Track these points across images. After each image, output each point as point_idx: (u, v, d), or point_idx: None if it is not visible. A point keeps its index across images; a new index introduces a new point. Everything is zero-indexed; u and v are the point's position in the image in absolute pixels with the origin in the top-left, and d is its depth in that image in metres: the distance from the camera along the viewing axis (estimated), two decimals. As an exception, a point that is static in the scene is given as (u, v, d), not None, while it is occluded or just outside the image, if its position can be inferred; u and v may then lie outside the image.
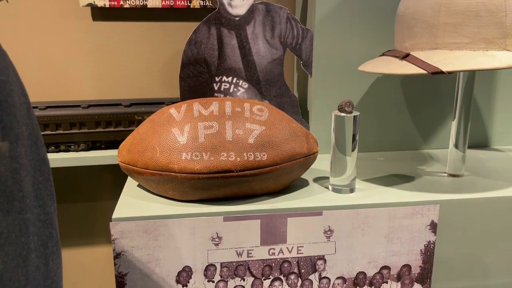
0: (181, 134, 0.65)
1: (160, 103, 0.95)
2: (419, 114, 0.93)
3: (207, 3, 0.98)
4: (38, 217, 0.40)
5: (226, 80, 0.87)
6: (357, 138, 0.69)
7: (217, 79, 0.87)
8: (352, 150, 0.68)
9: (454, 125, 0.78)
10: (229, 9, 0.83)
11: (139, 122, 0.93)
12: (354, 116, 0.67)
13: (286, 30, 0.86)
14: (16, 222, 0.37)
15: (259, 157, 0.64)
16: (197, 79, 0.86)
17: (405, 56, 0.68)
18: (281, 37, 0.86)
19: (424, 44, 0.67)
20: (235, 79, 0.87)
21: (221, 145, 0.64)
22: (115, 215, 0.61)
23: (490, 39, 0.63)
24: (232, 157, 0.63)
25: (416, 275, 0.68)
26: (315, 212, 0.64)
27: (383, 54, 0.76)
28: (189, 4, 0.97)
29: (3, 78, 0.36)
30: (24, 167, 0.38)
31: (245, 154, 0.64)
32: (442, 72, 0.61)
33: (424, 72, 0.63)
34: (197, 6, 0.98)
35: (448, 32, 0.64)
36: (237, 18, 0.84)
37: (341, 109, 0.68)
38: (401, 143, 0.94)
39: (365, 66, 0.75)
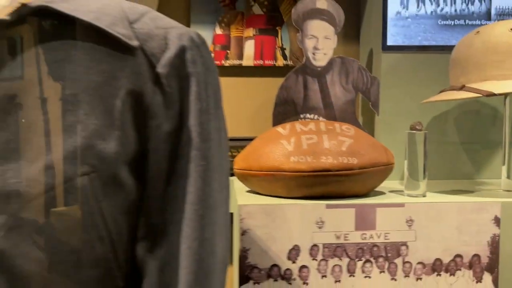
0: (289, 144, 0.84)
1: (251, 139, 1.15)
2: (471, 150, 1.09)
3: (289, 62, 1.22)
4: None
5: (309, 117, 1.08)
6: (427, 153, 0.86)
7: (301, 116, 1.07)
8: (424, 162, 0.85)
9: (505, 160, 0.94)
10: (313, 62, 1.06)
11: (233, 156, 1.13)
12: (424, 133, 0.85)
13: (358, 78, 1.07)
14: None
15: (351, 161, 0.82)
16: (286, 115, 1.07)
17: (462, 87, 0.87)
18: (354, 83, 1.07)
19: (476, 77, 0.86)
20: (316, 116, 1.08)
21: (321, 151, 0.82)
22: (240, 202, 0.79)
23: (529, 71, 0.81)
24: (330, 160, 0.81)
25: (485, 264, 0.80)
26: (399, 204, 0.79)
27: (440, 92, 0.96)
28: (274, 63, 1.22)
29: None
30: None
31: (340, 158, 0.81)
32: (494, 94, 0.80)
33: (479, 95, 0.81)
34: (281, 64, 1.22)
35: (494, 68, 0.84)
36: (319, 69, 1.07)
37: (412, 128, 0.86)
38: (453, 173, 1.09)
39: (429, 99, 0.94)
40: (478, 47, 0.86)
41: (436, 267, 0.80)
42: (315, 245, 0.78)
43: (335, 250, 0.78)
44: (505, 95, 0.90)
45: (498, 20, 1.07)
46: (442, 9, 1.06)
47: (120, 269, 0.50)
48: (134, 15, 0.51)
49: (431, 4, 1.06)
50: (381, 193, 0.90)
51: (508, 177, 0.96)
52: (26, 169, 0.45)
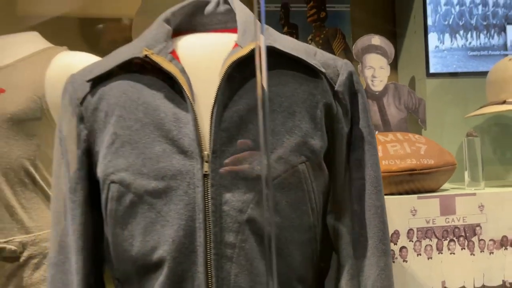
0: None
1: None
2: (503, 157, 1.33)
3: (341, 90, 1.44)
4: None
5: (371, 133, 1.29)
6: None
7: (365, 132, 1.28)
8: (482, 162, 1.07)
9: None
10: (372, 87, 1.29)
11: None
12: (479, 138, 1.07)
13: (408, 100, 1.30)
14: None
15: (430, 162, 1.02)
16: (352, 133, 1.28)
17: (503, 102, 1.10)
18: (405, 104, 1.30)
19: (515, 94, 1.10)
20: (376, 131, 1.29)
21: (405, 155, 1.02)
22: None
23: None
24: (414, 162, 1.01)
25: (540, 238, 1.01)
26: (471, 193, 1.00)
27: (482, 107, 1.19)
28: (329, 90, 1.43)
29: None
30: None
31: (421, 159, 1.02)
32: (533, 105, 1.03)
33: (521, 107, 1.05)
34: (335, 91, 1.44)
35: (529, 85, 1.08)
36: (377, 93, 1.29)
37: (469, 135, 1.08)
38: (489, 175, 1.32)
39: (473, 113, 1.17)
40: (513, 71, 1.11)
41: (504, 242, 1.00)
42: (410, 229, 0.97)
43: (426, 232, 0.98)
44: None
45: (513, 50, 1.33)
46: (470, 43, 1.32)
47: (319, 235, 0.68)
48: (312, 50, 0.71)
49: (461, 39, 1.31)
50: (446, 189, 1.10)
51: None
52: (266, 159, 0.63)
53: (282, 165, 0.63)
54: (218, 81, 0.64)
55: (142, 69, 0.67)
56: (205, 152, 0.62)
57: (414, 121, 1.35)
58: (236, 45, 0.67)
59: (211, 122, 0.62)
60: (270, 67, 0.67)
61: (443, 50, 1.31)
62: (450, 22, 1.31)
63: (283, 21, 1.41)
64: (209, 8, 0.75)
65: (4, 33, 1.26)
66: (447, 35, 1.31)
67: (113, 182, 0.64)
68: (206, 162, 0.62)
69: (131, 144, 0.65)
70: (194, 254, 0.61)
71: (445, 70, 1.31)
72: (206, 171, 0.61)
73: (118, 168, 0.64)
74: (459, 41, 1.31)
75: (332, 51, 1.44)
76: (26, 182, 0.90)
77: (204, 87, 0.66)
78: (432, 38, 1.30)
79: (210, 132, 0.62)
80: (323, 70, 0.68)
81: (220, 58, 0.67)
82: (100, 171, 0.66)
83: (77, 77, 0.71)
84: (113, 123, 0.66)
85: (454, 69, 1.31)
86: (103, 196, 0.65)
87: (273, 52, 0.66)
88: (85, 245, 0.67)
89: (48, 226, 0.94)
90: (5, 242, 0.87)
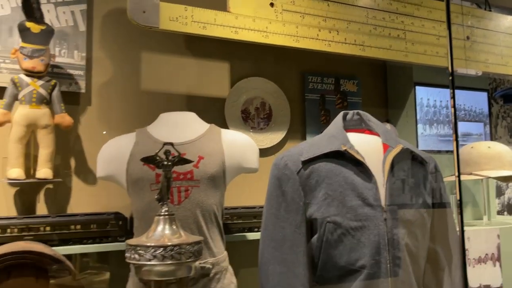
0: (408, 203, 1.64)
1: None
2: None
3: (356, 157, 2.05)
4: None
5: (385, 189, 1.89)
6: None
7: (381, 188, 1.89)
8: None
9: (485, 210, 1.89)
10: (386, 158, 1.91)
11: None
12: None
13: (406, 167, 1.94)
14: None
15: (438, 210, 1.65)
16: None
17: (470, 173, 1.80)
18: (404, 170, 1.94)
19: (477, 169, 1.80)
20: (388, 189, 1.90)
21: (425, 206, 1.64)
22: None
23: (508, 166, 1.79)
24: (431, 210, 1.63)
25: (496, 257, 1.69)
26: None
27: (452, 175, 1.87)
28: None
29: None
30: None
31: (434, 209, 1.64)
32: (490, 177, 1.74)
33: (482, 177, 1.75)
34: (352, 158, 2.04)
35: (486, 165, 1.79)
36: (388, 162, 1.91)
37: (453, 193, 1.75)
38: (452, 219, 2.01)
39: (450, 179, 1.85)
40: (475, 154, 1.82)
41: (479, 260, 1.65)
42: (434, 252, 1.57)
43: (441, 254, 1.58)
44: (487, 177, 1.86)
45: (462, 138, 2.08)
46: (439, 131, 2.03)
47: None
48: (410, 144, 1.30)
49: (435, 129, 2.02)
50: (440, 227, 1.74)
51: (488, 219, 1.90)
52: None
53: (418, 214, 1.19)
54: (382, 166, 1.18)
55: (338, 156, 1.18)
56: (383, 206, 1.15)
57: (408, 181, 2.00)
58: (387, 145, 1.22)
59: (385, 189, 1.16)
60: (404, 159, 1.24)
61: (425, 135, 2.00)
62: (429, 118, 2.01)
63: (321, 106, 1.98)
64: (349, 116, 1.30)
65: (135, 105, 1.63)
66: (427, 126, 2.01)
67: (328, 222, 1.13)
68: (384, 211, 1.14)
69: (338, 200, 1.14)
70: (380, 263, 1.12)
71: (428, 149, 1.99)
72: (385, 217, 1.14)
73: (331, 213, 1.13)
74: (434, 130, 2.02)
75: (350, 129, 2.05)
76: (213, 220, 1.30)
77: (374, 168, 1.19)
78: (419, 127, 1.99)
79: (386, 195, 1.15)
80: (427, 161, 1.26)
81: (377, 151, 1.21)
82: (317, 215, 1.14)
83: (290, 157, 1.19)
84: (324, 187, 1.15)
85: (433, 147, 2.01)
86: (321, 230, 1.13)
87: (405, 150, 1.23)
88: (308, 260, 1.13)
89: (221, 251, 1.34)
90: (203, 263, 1.26)
